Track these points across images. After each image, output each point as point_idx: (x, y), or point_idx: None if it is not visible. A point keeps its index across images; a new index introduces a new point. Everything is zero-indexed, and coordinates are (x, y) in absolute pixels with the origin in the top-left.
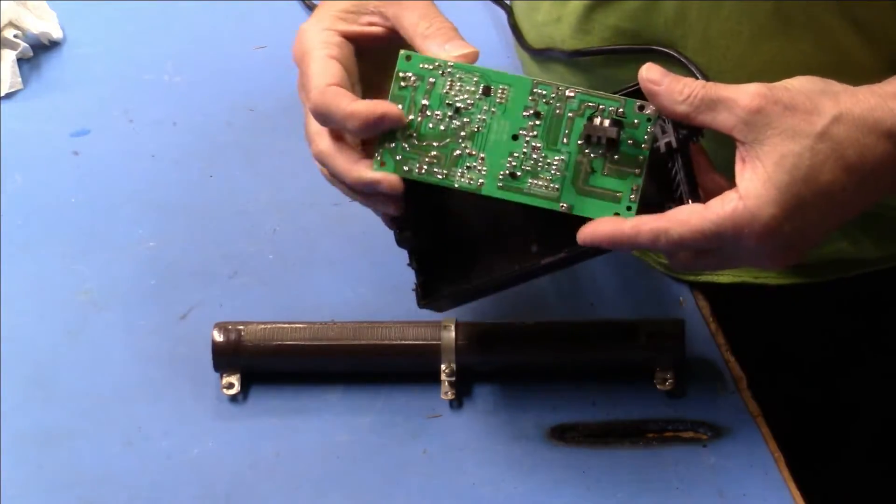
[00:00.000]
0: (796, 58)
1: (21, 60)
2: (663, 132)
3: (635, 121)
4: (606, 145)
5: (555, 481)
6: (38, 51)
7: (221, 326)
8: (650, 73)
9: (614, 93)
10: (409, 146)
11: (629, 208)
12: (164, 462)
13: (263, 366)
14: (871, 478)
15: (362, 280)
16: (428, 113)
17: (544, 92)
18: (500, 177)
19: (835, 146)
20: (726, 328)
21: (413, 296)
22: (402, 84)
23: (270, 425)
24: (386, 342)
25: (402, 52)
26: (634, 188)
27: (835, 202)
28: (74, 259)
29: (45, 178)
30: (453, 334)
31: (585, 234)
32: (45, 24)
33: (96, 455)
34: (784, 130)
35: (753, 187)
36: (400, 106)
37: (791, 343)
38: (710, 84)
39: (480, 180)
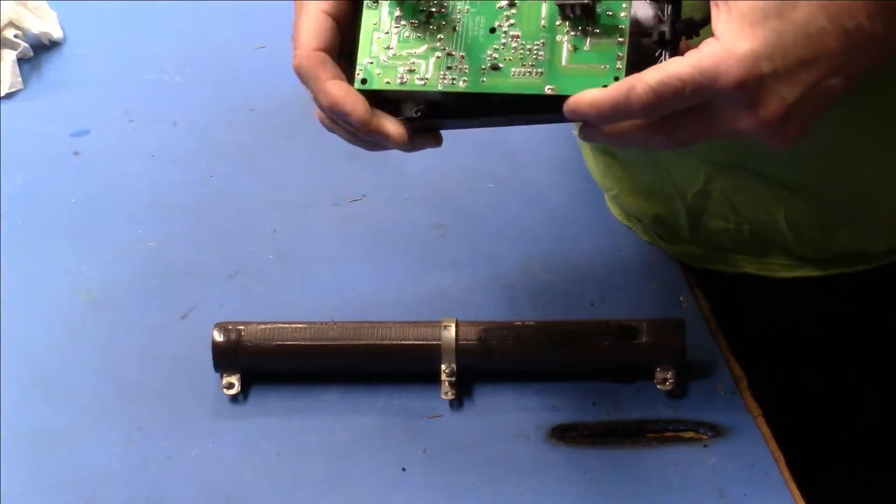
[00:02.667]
0: None
1: (21, 60)
2: (660, 20)
3: None
4: (584, 16)
5: (555, 481)
6: (38, 51)
7: (221, 326)
8: None
9: None
10: (387, 58)
11: (616, 78)
12: (164, 462)
13: (263, 366)
14: (872, 478)
15: (362, 280)
16: (403, 23)
17: None
18: (483, 70)
19: None
20: (726, 328)
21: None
22: None
23: (270, 425)
24: (386, 342)
25: None
26: (619, 56)
27: (816, 44)
28: (74, 259)
29: (45, 178)
30: (453, 334)
31: (569, 108)
32: (45, 24)
33: (96, 455)
34: None
35: (728, 27)
36: (374, 21)
37: (792, 343)
38: None
39: (463, 79)
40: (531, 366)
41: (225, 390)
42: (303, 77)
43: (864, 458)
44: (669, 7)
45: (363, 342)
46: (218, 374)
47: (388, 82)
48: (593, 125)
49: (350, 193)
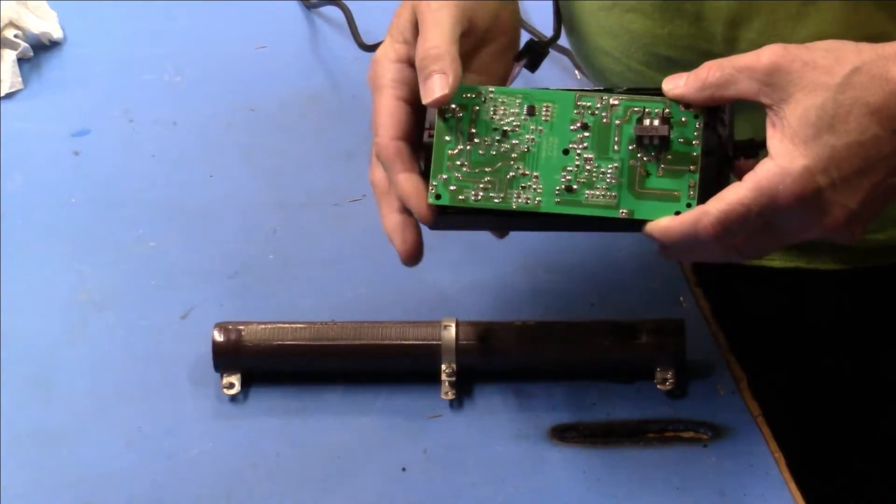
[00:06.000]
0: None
1: (21, 60)
2: (720, 141)
3: (683, 118)
4: (658, 145)
5: (555, 481)
6: (38, 51)
7: (221, 326)
8: (669, 84)
9: (652, 93)
10: (461, 175)
11: (689, 205)
12: (164, 462)
13: (263, 366)
14: (872, 478)
15: (362, 280)
16: (476, 140)
17: (588, 104)
18: (557, 192)
19: (857, 95)
20: (726, 328)
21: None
22: (447, 115)
23: (270, 425)
24: (386, 342)
25: None
26: (692, 184)
27: (870, 152)
28: (74, 259)
29: (45, 178)
30: (453, 334)
31: (643, 232)
32: (45, 24)
33: (96, 455)
34: (805, 86)
35: (782, 146)
36: (447, 137)
37: (792, 342)
38: (726, 59)
39: (538, 199)
40: (531, 366)
41: (225, 390)
42: (382, 163)
43: (864, 458)
44: (727, 129)
45: (363, 342)
46: (218, 374)
47: (462, 199)
48: (668, 247)
49: (350, 193)
